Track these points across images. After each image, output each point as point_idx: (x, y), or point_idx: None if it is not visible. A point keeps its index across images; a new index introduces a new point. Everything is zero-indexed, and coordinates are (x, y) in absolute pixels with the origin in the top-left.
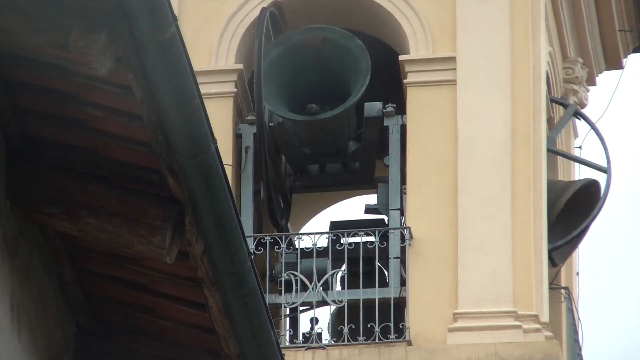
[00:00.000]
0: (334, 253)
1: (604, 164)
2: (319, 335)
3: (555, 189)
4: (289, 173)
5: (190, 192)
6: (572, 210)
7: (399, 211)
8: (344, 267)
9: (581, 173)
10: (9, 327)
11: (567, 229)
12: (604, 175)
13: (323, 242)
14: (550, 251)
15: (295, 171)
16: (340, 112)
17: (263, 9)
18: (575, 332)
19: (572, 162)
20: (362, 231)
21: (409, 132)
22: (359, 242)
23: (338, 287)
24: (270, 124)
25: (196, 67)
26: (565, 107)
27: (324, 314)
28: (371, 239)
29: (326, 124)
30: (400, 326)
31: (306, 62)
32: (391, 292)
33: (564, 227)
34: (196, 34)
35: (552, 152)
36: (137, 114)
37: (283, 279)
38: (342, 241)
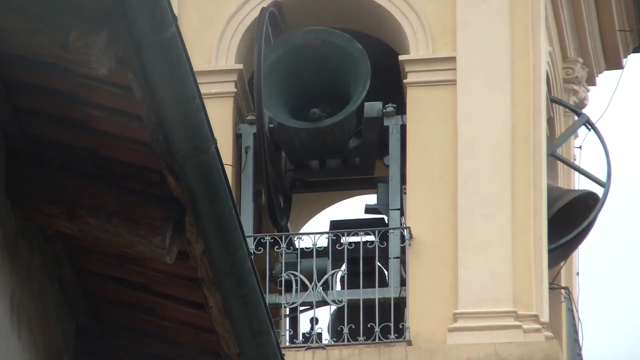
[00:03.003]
0: (334, 253)
1: (604, 177)
2: (319, 335)
3: (551, 195)
4: (289, 168)
5: (190, 192)
6: (565, 218)
7: (399, 211)
8: (344, 267)
9: (580, 182)
10: (9, 327)
11: (557, 235)
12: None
13: (323, 242)
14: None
15: (295, 167)
16: (341, 118)
17: (263, 9)
18: (575, 332)
19: (572, 170)
20: (362, 231)
21: (409, 132)
22: (359, 242)
23: (338, 287)
24: (270, 125)
25: (196, 67)
26: (578, 115)
27: (324, 314)
28: (371, 238)
29: (327, 127)
30: (400, 326)
31: (306, 64)
32: (391, 292)
33: (554, 234)
34: (196, 34)
35: (555, 157)
36: (137, 114)
37: (283, 279)
38: (342, 241)
